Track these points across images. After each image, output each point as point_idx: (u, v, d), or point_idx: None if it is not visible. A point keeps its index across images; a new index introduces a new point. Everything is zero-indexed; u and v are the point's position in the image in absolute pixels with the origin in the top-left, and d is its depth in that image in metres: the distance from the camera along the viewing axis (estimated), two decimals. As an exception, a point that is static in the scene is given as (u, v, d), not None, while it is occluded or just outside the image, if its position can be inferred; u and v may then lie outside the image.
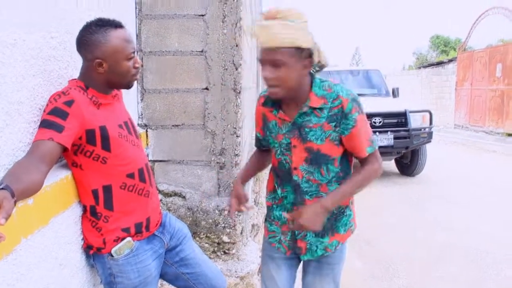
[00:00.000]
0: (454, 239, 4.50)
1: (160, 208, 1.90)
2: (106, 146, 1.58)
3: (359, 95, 7.15)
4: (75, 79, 1.64)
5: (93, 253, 1.66)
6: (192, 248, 1.94)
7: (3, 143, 1.30)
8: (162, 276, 1.91)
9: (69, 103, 1.48)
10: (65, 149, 1.45)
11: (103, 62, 1.56)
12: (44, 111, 1.47)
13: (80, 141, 1.54)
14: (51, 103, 1.47)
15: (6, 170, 1.29)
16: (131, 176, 1.67)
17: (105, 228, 1.63)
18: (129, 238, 1.65)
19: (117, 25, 1.60)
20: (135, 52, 1.66)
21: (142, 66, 1.69)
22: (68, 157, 1.59)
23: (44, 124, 1.43)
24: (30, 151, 1.37)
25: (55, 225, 1.47)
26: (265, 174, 7.52)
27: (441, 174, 7.79)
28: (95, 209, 1.62)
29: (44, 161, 1.34)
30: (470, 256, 4.05)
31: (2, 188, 1.06)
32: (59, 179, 1.52)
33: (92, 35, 1.55)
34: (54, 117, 1.44)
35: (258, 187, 5.66)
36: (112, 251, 1.62)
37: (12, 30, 1.34)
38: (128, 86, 1.69)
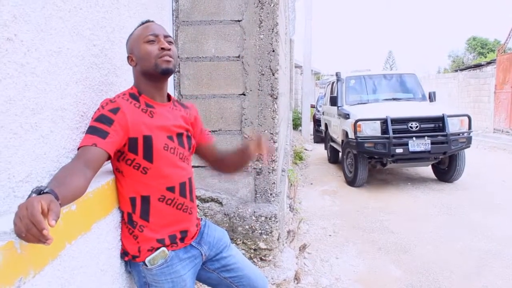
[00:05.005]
0: (495, 248, 4.32)
1: (199, 217, 1.88)
2: (148, 156, 1.57)
3: (394, 99, 7.06)
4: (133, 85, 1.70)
5: (128, 260, 1.66)
6: (233, 254, 1.90)
7: (48, 150, 1.33)
8: (205, 281, 1.89)
9: (115, 110, 1.50)
10: (109, 156, 1.46)
11: (131, 55, 1.65)
12: (92, 117, 1.50)
13: (124, 148, 1.55)
14: (99, 110, 1.51)
15: (51, 176, 1.31)
16: (171, 189, 1.64)
17: (140, 237, 1.62)
18: (163, 248, 1.63)
19: (145, 22, 1.69)
20: (160, 37, 1.61)
21: (169, 50, 1.64)
22: (113, 163, 1.62)
23: (90, 130, 1.45)
24: (75, 157, 1.39)
25: (97, 230, 1.47)
26: (299, 179, 7.45)
27: (481, 180, 7.53)
28: (132, 216, 1.62)
29: (89, 166, 1.35)
30: (514, 267, 3.88)
31: (46, 192, 1.07)
32: (101, 185, 1.53)
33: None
34: (99, 123, 1.46)
35: (293, 193, 5.61)
36: (146, 261, 1.61)
37: (58, 39, 1.37)
38: (159, 69, 1.59)
